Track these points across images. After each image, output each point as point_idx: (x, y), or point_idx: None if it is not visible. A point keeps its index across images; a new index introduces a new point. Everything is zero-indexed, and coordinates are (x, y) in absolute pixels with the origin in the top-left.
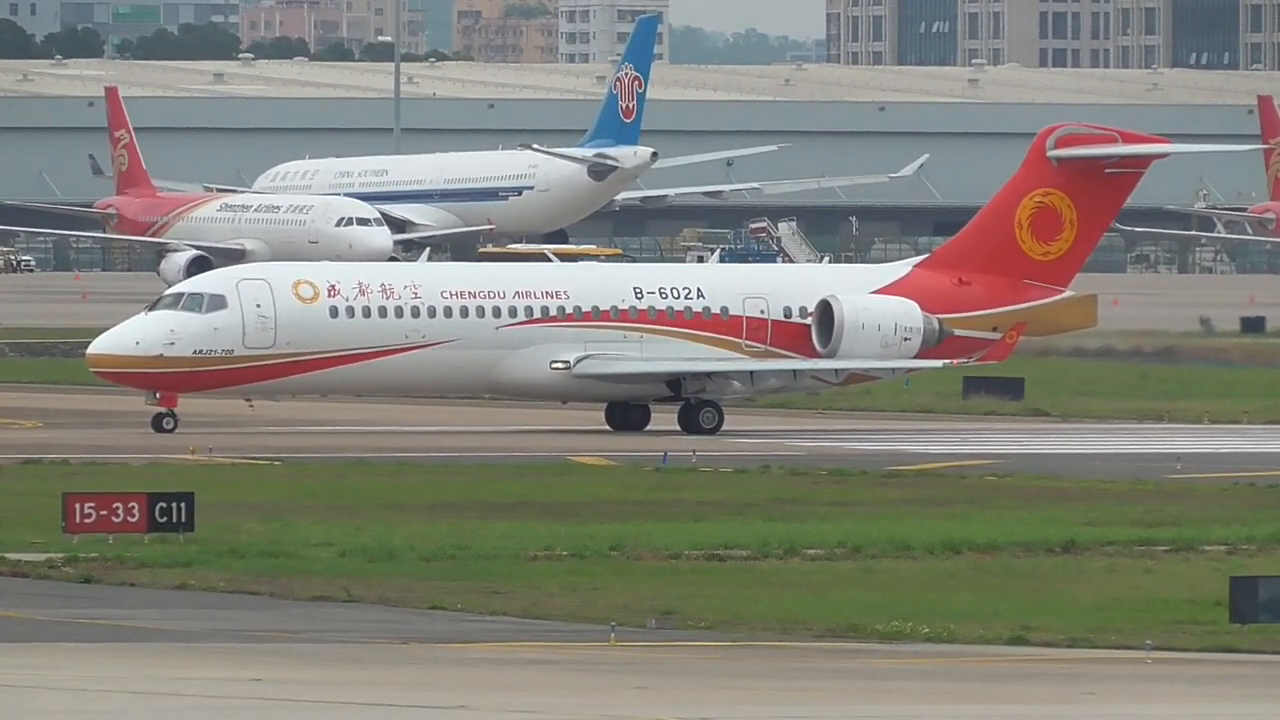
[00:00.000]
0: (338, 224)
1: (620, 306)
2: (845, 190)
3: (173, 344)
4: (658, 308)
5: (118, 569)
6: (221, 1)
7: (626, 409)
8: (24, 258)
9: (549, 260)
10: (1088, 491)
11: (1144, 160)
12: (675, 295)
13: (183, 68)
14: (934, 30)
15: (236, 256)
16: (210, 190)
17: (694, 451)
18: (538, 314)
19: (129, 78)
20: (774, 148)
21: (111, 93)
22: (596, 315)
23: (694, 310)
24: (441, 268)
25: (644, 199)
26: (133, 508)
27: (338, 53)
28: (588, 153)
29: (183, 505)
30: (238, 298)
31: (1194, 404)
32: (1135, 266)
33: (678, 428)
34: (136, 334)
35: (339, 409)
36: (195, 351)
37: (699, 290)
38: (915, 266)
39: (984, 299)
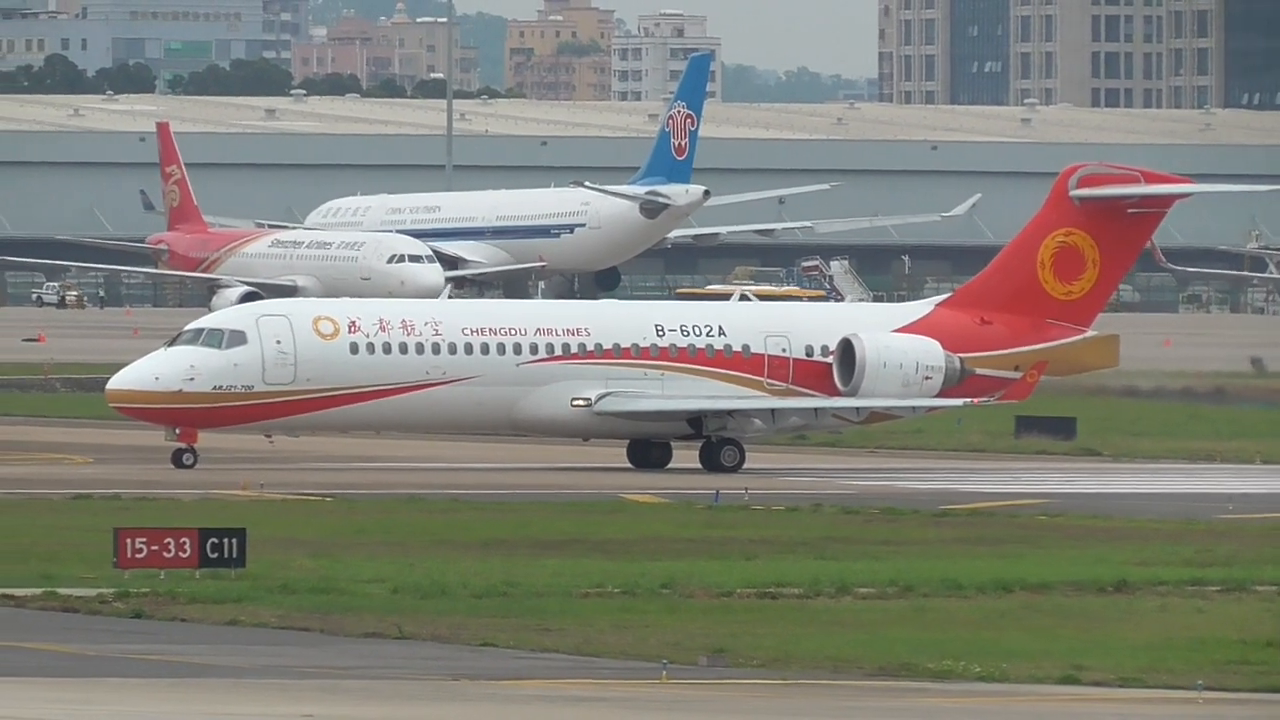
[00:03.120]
0: (389, 261)
1: (641, 344)
2: (897, 229)
3: (192, 380)
4: (679, 345)
5: (169, 604)
6: (274, 38)
7: (648, 446)
8: (70, 293)
9: (748, 300)
10: (1139, 531)
11: (1167, 200)
12: (696, 333)
13: (234, 103)
14: (986, 70)
15: (288, 292)
16: (261, 226)
17: (746, 490)
18: (559, 351)
19: (180, 113)
20: (826, 186)
21: (163, 128)
22: (618, 353)
23: (715, 348)
24: (463, 304)
25: (696, 237)
26: (184, 543)
27: (390, 89)
28: (640, 190)
29: (234, 541)
30: (258, 333)
31: (1245, 444)
32: (1187, 306)
33: (699, 465)
34: (156, 369)
35: (388, 445)
36: (215, 387)
37: (720, 328)
38: (937, 305)
39: (1006, 338)
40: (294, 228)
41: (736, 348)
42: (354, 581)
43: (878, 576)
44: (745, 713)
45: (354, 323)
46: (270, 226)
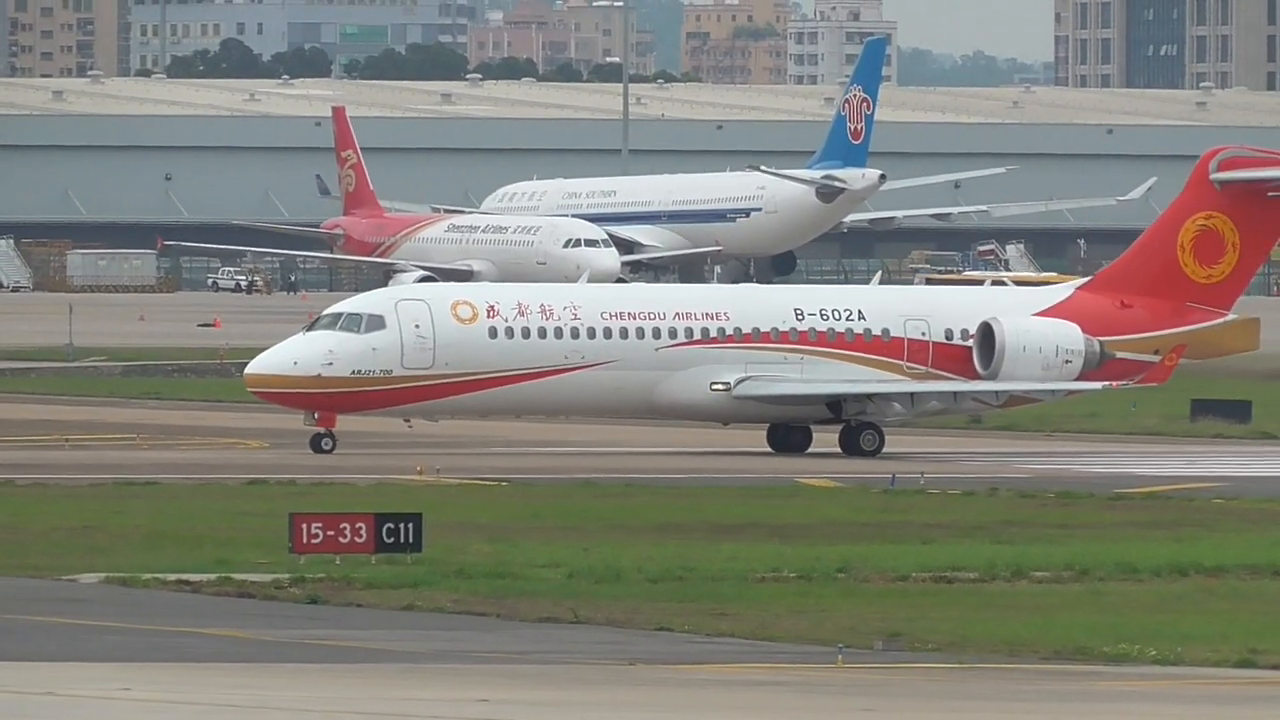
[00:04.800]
0: (565, 245)
1: (781, 328)
2: (1073, 213)
3: (331, 364)
4: (818, 329)
5: (345, 589)
6: (449, 22)
7: (788, 431)
8: (239, 277)
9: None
10: None
11: None
12: (836, 317)
13: (410, 88)
14: (1162, 53)
15: (464, 277)
16: (437, 211)
17: (922, 474)
18: (698, 335)
19: (356, 98)
20: (1002, 170)
21: (339, 113)
22: (757, 337)
23: (855, 332)
24: (601, 289)
25: (872, 221)
26: (360, 528)
27: (566, 73)
28: (816, 174)
29: (410, 526)
30: (396, 318)
31: None
32: None
33: (838, 450)
34: (294, 354)
35: (559, 429)
36: (353, 372)
37: (860, 312)
38: (1077, 289)
39: (1146, 322)
40: (470, 212)
41: (876, 331)
42: (529, 566)
43: (1053, 560)
44: (921, 696)
45: (492, 307)
46: (446, 211)
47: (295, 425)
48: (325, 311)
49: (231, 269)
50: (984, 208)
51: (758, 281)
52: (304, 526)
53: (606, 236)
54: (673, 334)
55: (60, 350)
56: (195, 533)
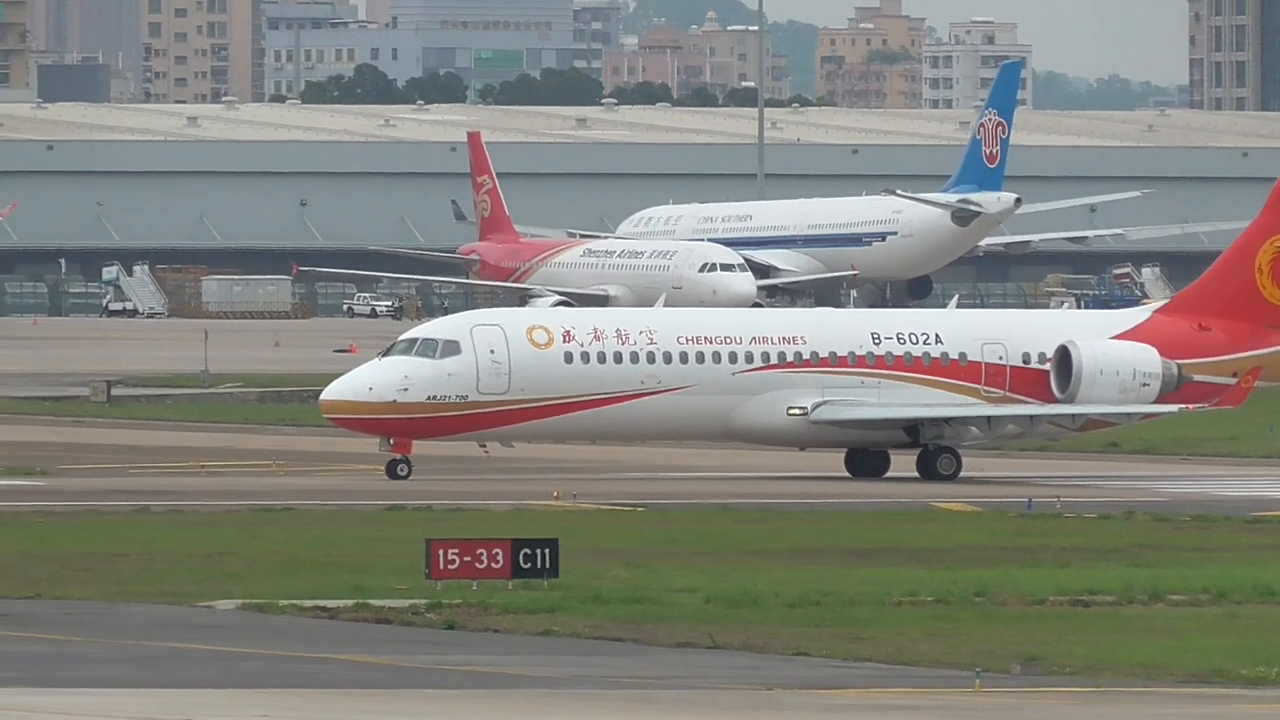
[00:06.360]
0: (701, 269)
1: (858, 352)
2: (1209, 236)
3: (406, 390)
4: (895, 353)
5: (481, 615)
6: (584, 47)
7: (866, 455)
8: (375, 303)
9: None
10: None
11: None
12: (913, 341)
13: (545, 113)
14: None
15: (599, 302)
16: (573, 236)
17: (1059, 498)
18: (775, 360)
19: (491, 123)
20: (1137, 193)
21: (474, 138)
22: (834, 361)
23: (932, 356)
24: (677, 313)
25: (1007, 245)
26: (496, 554)
27: (701, 98)
28: (951, 198)
29: (546, 551)
30: (471, 343)
31: None
32: None
33: (916, 474)
34: (370, 380)
35: (697, 454)
36: (429, 397)
37: (937, 336)
38: (1155, 312)
39: (1224, 344)
40: (606, 237)
41: (953, 355)
42: (666, 591)
43: (1190, 583)
44: None
45: (568, 332)
46: (581, 236)
47: (432, 450)
48: (401, 337)
49: (367, 295)
50: (1119, 231)
51: (894, 306)
52: (441, 552)
53: (742, 261)
54: (749, 358)
55: (196, 377)
56: (331, 559)
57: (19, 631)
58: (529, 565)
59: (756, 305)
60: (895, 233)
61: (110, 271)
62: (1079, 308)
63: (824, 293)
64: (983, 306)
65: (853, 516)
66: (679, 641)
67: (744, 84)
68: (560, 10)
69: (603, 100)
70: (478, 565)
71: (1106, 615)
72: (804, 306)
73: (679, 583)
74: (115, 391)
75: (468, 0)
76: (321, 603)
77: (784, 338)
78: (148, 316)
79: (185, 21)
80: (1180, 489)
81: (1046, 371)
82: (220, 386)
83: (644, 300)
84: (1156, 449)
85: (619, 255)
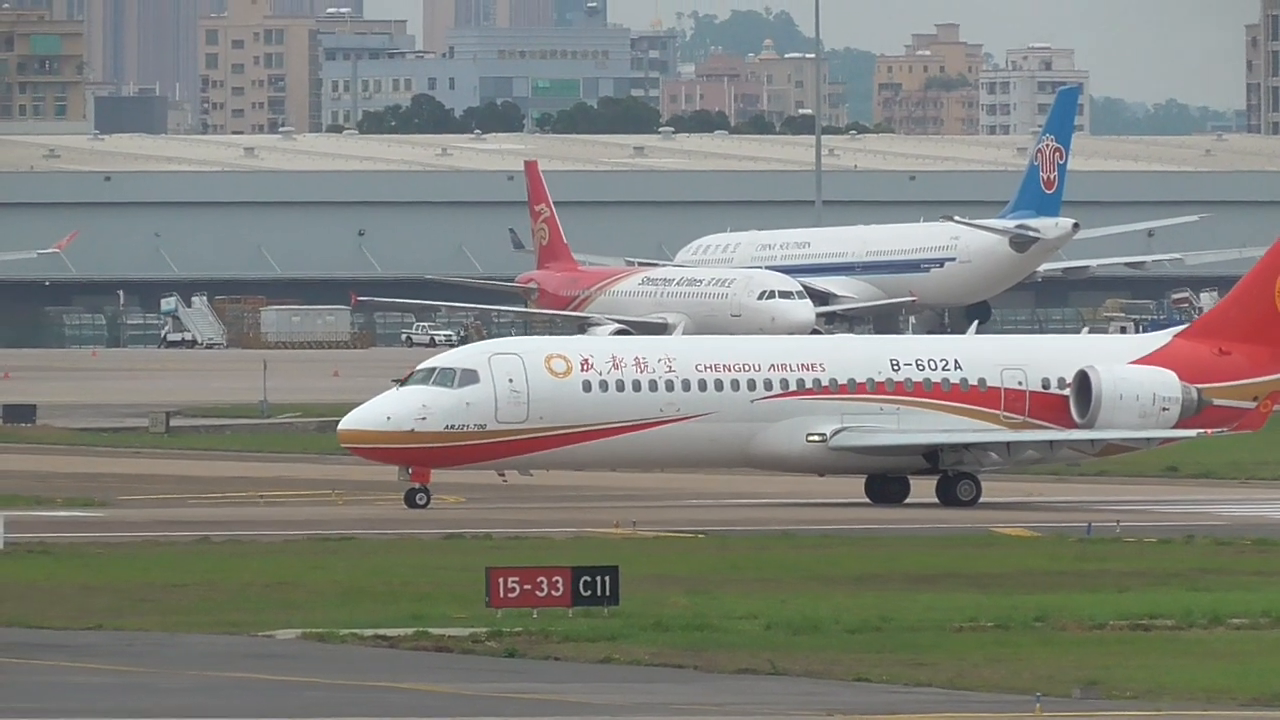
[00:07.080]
0: (760, 297)
1: (877, 379)
2: None
3: (424, 419)
4: (914, 379)
5: (542, 643)
6: (641, 75)
7: (885, 481)
8: (434, 332)
9: None
10: None
11: None
12: (932, 367)
13: (602, 141)
14: None
15: (658, 330)
16: (631, 264)
17: (1118, 522)
18: (793, 386)
19: (548, 151)
20: (1195, 218)
21: (531, 167)
22: (853, 387)
23: (951, 382)
24: (696, 341)
25: (1066, 270)
26: (557, 581)
27: (758, 125)
28: (1009, 224)
29: (607, 579)
30: (490, 372)
31: None
32: None
33: (935, 500)
34: (388, 409)
35: (757, 481)
36: (447, 426)
37: (956, 362)
38: (1175, 336)
39: (1245, 368)
40: (664, 265)
41: (973, 381)
42: (727, 618)
43: (1251, 607)
44: None
45: (586, 360)
46: (640, 264)
47: (490, 479)
48: (419, 366)
49: (425, 324)
50: (1178, 255)
51: (953, 332)
52: (501, 580)
53: (801, 288)
54: (768, 385)
55: (255, 407)
56: (391, 588)
57: (82, 662)
58: (589, 593)
59: (815, 333)
60: (954, 259)
61: (169, 303)
62: (1138, 332)
63: (883, 319)
64: (1042, 332)
65: (913, 542)
66: (740, 668)
67: (801, 111)
68: (617, 39)
69: (660, 128)
70: (538, 593)
71: (1167, 639)
72: (863, 333)
73: (740, 609)
74: (174, 422)
75: (525, 30)
76: (382, 632)
77: (803, 364)
78: (206, 347)
79: (242, 52)
80: (1239, 512)
81: (1066, 396)
82: (279, 417)
83: (703, 328)
84: (1215, 472)
85: (677, 283)
